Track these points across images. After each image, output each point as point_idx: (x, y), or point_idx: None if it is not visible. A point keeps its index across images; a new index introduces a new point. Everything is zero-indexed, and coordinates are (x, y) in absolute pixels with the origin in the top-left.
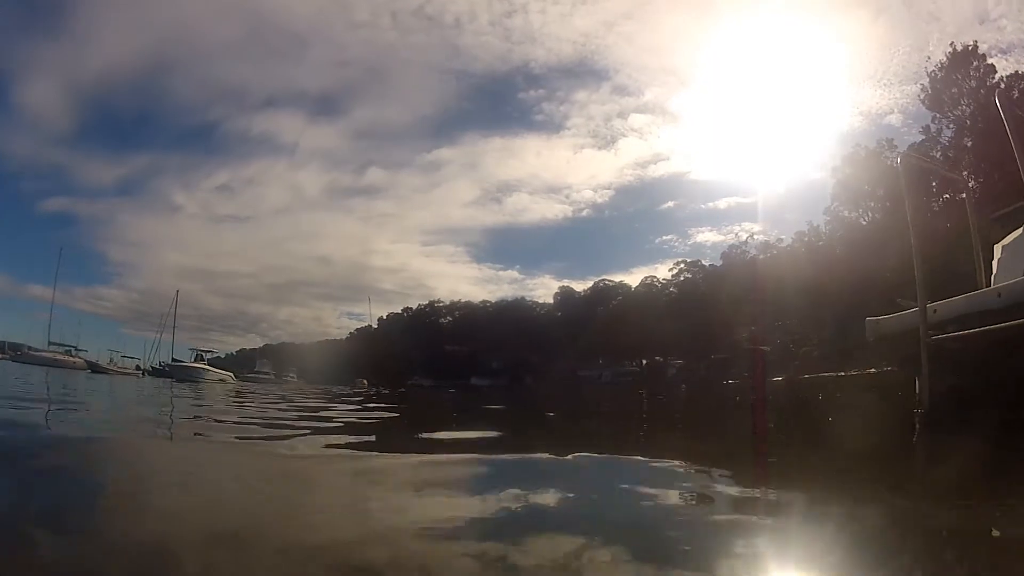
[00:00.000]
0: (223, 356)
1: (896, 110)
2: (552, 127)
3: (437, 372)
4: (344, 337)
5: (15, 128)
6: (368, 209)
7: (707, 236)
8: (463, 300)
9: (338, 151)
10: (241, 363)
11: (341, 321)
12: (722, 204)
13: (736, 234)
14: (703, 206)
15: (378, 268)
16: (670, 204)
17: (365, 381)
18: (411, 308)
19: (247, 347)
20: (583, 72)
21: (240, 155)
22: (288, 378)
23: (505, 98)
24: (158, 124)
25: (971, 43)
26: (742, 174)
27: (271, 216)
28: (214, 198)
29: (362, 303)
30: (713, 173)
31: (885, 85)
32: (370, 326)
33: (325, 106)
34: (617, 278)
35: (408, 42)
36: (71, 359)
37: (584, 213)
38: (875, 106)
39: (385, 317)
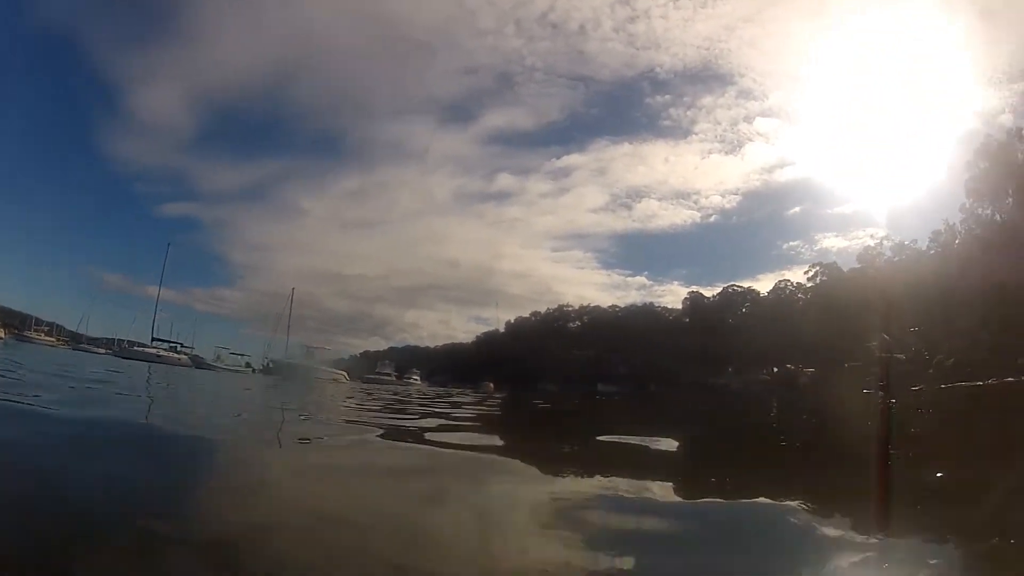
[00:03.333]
0: (347, 357)
1: (1007, 109)
2: (680, 132)
3: (564, 377)
4: (471, 340)
5: (137, 134)
6: (497, 214)
7: (832, 242)
8: (592, 305)
9: (468, 157)
10: (365, 365)
11: (468, 325)
12: (847, 209)
13: (870, 237)
14: (828, 211)
15: (506, 273)
16: (796, 210)
17: (491, 385)
18: (539, 312)
19: (371, 349)
20: (708, 77)
21: (370, 161)
22: (411, 380)
23: (632, 104)
24: (284, 131)
25: None
26: (865, 178)
27: (400, 220)
28: (342, 203)
29: (489, 307)
30: (837, 177)
31: (994, 84)
32: (497, 330)
33: (454, 113)
34: (745, 284)
35: (534, 49)
36: (174, 355)
37: (712, 219)
38: (987, 106)
39: (512, 321)
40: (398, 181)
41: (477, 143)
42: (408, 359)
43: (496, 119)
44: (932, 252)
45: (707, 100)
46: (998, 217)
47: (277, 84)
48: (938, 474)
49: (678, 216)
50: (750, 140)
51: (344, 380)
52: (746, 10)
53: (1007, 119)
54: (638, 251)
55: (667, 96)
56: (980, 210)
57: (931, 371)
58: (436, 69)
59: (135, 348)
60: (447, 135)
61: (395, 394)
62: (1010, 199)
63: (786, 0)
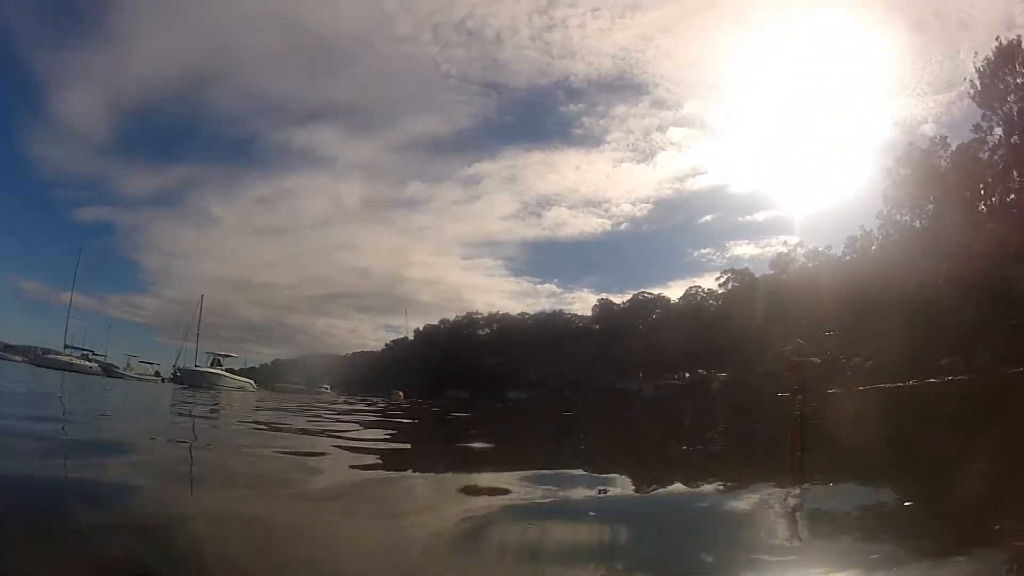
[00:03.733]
0: (257, 367)
1: (930, 119)
2: (592, 141)
3: (474, 385)
4: (381, 349)
5: (55, 138)
6: (407, 222)
7: (744, 249)
8: (501, 312)
9: (378, 164)
10: (276, 373)
11: (378, 333)
12: (759, 217)
13: (784, 244)
14: (741, 219)
15: (416, 280)
16: (708, 218)
17: (401, 393)
18: (448, 320)
19: (282, 358)
20: (622, 86)
21: (281, 167)
22: (321, 389)
23: (545, 112)
24: (200, 136)
25: (1015, 37)
26: (779, 187)
27: (311, 228)
28: (254, 209)
29: (399, 315)
30: (750, 186)
31: (919, 95)
32: (406, 338)
33: (366, 119)
34: (655, 291)
35: (449, 56)
36: (87, 363)
37: (623, 227)
38: (909, 116)
39: (421, 329)
40: (309, 188)
41: (389, 150)
42: (319, 368)
43: (408, 126)
44: (848, 258)
45: (621, 109)
46: (917, 224)
47: (194, 88)
48: (906, 503)
49: (588, 224)
50: (663, 149)
51: (251, 389)
52: (664, 21)
53: (929, 129)
54: (548, 259)
55: (581, 105)
56: (899, 216)
57: (848, 374)
58: (351, 75)
59: (49, 356)
60: (359, 141)
61: (299, 405)
62: (931, 206)
63: (706, 11)
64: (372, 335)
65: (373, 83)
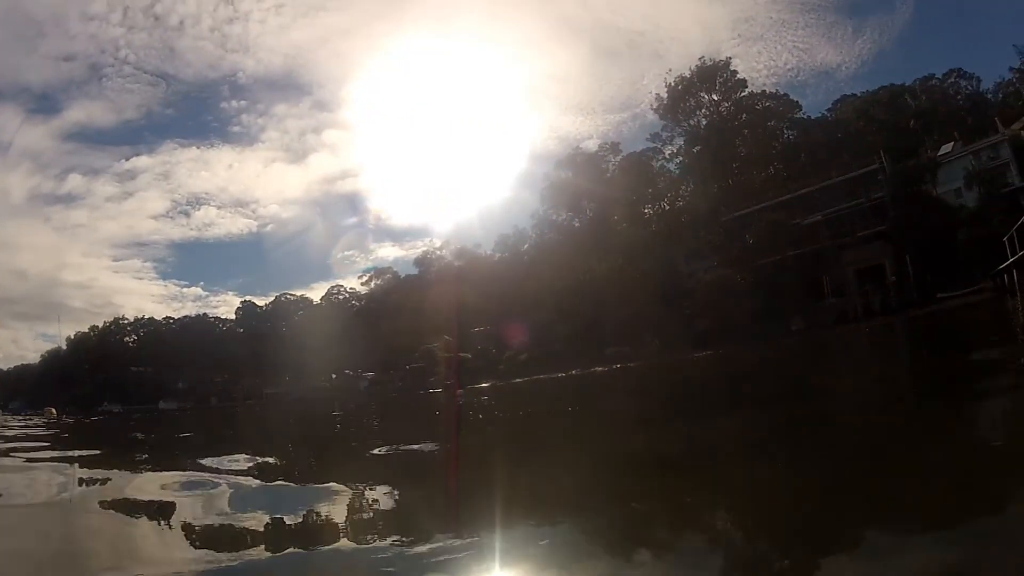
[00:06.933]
0: None
1: (596, 136)
2: (247, 139)
3: (126, 396)
4: (37, 360)
5: None
6: (64, 219)
7: (389, 251)
8: (146, 318)
9: (46, 153)
10: None
11: (37, 343)
12: (405, 220)
13: (429, 244)
14: (387, 222)
15: (69, 284)
16: (354, 219)
17: (54, 410)
18: (97, 327)
19: None
20: (287, 85)
21: None
22: None
23: (208, 107)
24: None
25: (724, 58)
26: (427, 191)
27: None
28: None
29: (55, 323)
30: (399, 189)
31: (588, 113)
32: (60, 348)
33: (43, 103)
34: (298, 293)
35: (131, 40)
36: None
37: (268, 228)
38: (574, 131)
39: (73, 337)
40: None
41: (57, 138)
42: None
43: (78, 113)
44: (498, 256)
45: (281, 108)
46: (576, 223)
47: None
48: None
49: (235, 224)
50: (316, 151)
51: None
52: (347, 24)
53: (593, 144)
54: (195, 260)
55: (243, 101)
56: (555, 216)
57: (502, 367)
58: (41, 51)
59: None
60: (32, 127)
61: None
62: (593, 204)
63: (393, 17)
64: (32, 345)
65: (57, 63)
